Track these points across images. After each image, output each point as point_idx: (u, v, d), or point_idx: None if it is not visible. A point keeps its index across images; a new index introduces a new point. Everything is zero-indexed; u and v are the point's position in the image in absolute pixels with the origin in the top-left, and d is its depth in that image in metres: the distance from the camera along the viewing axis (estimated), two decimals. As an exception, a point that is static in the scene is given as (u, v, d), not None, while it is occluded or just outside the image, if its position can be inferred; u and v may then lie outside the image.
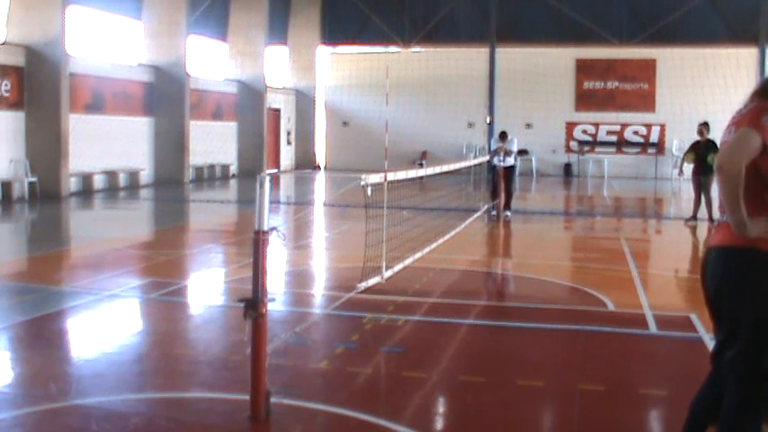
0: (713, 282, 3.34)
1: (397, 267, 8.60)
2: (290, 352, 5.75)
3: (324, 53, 31.95)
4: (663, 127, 29.48)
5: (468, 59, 30.08)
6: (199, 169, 24.34)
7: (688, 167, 14.45)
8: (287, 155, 30.86)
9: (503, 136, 15.65)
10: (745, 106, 3.31)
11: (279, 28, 29.79)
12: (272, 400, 4.46)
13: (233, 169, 26.68)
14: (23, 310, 7.00)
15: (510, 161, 15.44)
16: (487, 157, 15.97)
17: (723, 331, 3.37)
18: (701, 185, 14.20)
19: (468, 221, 13.55)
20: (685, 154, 14.76)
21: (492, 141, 16.88)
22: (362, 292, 7.70)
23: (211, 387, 5.09)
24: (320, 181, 27.38)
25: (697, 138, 14.27)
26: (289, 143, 31.04)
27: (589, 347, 6.31)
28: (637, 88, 29.70)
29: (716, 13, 28.45)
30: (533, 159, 29.63)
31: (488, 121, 29.82)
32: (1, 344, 6.08)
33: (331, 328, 6.87)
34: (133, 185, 21.19)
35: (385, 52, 30.75)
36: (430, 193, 18.65)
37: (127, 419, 4.43)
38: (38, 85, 17.68)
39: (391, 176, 8.67)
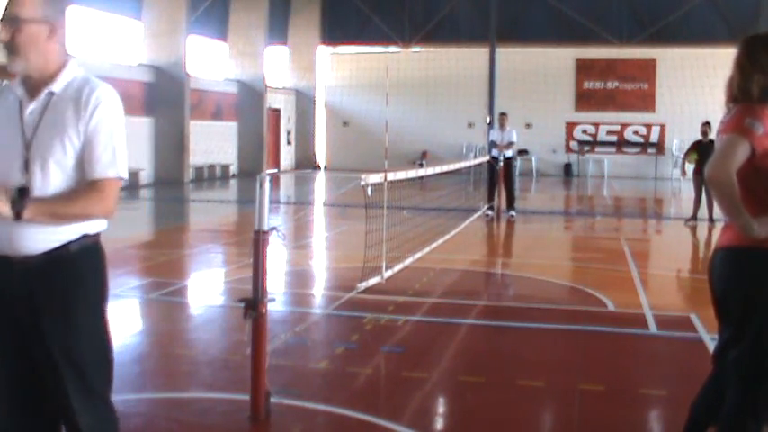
0: (720, 283, 3.33)
1: (397, 267, 8.62)
2: (290, 352, 5.76)
3: (324, 53, 31.95)
4: (663, 127, 29.47)
5: (468, 59, 30.04)
6: (199, 169, 24.33)
7: (690, 168, 14.43)
8: (287, 155, 30.84)
9: (503, 117, 15.22)
10: (726, 113, 3.31)
11: (279, 28, 29.78)
12: (272, 400, 4.45)
13: (233, 169, 26.67)
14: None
15: (509, 153, 15.10)
16: (488, 157, 15.78)
17: (728, 331, 3.35)
18: (701, 185, 14.18)
19: (468, 221, 13.56)
20: (686, 154, 14.73)
21: (491, 132, 16.43)
22: (362, 292, 7.71)
23: (211, 387, 5.09)
24: (320, 181, 27.37)
25: (699, 137, 14.26)
26: (289, 143, 31.03)
27: (589, 347, 6.31)
28: (637, 88, 29.69)
29: (716, 13, 28.45)
30: (533, 159, 29.62)
31: (488, 121, 29.77)
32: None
33: (331, 328, 6.87)
34: (133, 185, 21.17)
35: (385, 52, 30.73)
36: (430, 193, 18.66)
37: (127, 419, 4.40)
38: (38, 86, 17.66)
39: (391, 176, 8.68)
